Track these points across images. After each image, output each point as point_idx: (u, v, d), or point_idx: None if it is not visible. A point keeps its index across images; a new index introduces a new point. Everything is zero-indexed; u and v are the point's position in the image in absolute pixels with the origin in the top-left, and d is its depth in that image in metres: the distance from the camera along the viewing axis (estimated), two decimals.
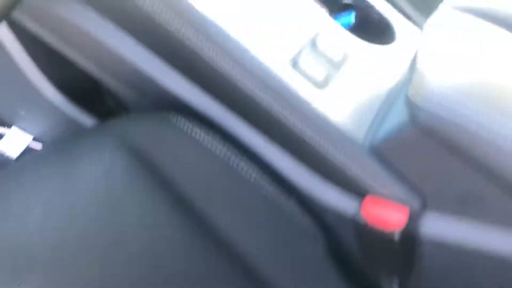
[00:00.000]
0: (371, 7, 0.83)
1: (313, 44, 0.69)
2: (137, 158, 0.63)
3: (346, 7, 0.83)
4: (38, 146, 1.01)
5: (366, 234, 0.68)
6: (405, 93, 0.59)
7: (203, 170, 0.68)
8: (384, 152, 0.64)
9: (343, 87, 0.68)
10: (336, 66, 0.69)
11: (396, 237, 0.65)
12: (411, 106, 0.58)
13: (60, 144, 0.67)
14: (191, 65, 0.67)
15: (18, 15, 0.74)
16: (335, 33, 0.73)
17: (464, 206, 0.63)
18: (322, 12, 0.75)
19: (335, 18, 0.81)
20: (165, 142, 0.67)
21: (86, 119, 0.91)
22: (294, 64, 0.66)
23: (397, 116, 0.62)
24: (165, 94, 0.71)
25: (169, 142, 0.67)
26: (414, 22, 0.84)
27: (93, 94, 0.91)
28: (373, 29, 0.84)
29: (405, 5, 0.84)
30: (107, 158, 0.62)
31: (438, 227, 0.64)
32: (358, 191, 0.67)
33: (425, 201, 0.64)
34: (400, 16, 0.83)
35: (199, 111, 0.71)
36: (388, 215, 0.64)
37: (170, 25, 0.63)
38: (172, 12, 0.62)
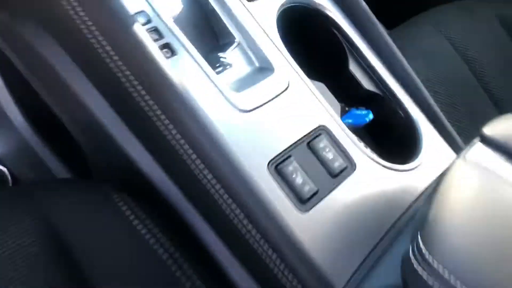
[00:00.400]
0: (399, 104, 0.68)
1: (307, 150, 0.55)
2: (52, 238, 0.50)
3: (368, 99, 0.69)
4: None
5: None
6: (405, 252, 0.44)
7: (128, 265, 0.53)
8: None
9: (331, 214, 0.53)
10: (328, 180, 0.55)
11: None
12: (410, 272, 0.43)
13: None
14: (155, 141, 0.54)
15: None
16: (339, 138, 0.58)
17: None
18: (329, 109, 0.60)
19: (350, 114, 0.67)
20: (93, 224, 0.53)
21: (49, 154, 0.80)
22: (280, 171, 0.52)
23: (388, 275, 0.47)
24: (122, 158, 0.58)
25: (98, 225, 0.53)
26: (447, 136, 0.69)
27: (61, 130, 0.79)
28: (394, 133, 0.70)
29: (441, 114, 0.69)
30: (15, 234, 0.50)
31: None
32: None
33: None
34: (429, 126, 0.68)
35: (159, 195, 0.58)
36: None
37: (148, 106, 0.51)
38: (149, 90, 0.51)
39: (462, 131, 0.92)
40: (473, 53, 1.05)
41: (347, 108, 0.70)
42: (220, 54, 0.60)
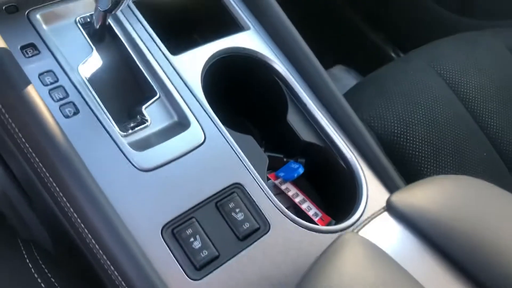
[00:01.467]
0: (340, 155, 0.64)
1: (215, 210, 0.52)
2: None
3: (309, 150, 0.65)
4: None
5: None
6: None
7: None
8: None
9: (231, 282, 0.49)
10: (234, 244, 0.52)
11: None
12: None
13: None
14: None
15: None
16: (255, 196, 0.55)
17: None
18: (249, 165, 0.57)
19: (284, 167, 0.64)
20: None
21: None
22: (176, 235, 0.50)
23: None
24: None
25: None
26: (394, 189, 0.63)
27: None
28: (336, 185, 0.65)
29: (389, 168, 0.63)
30: None
31: None
32: None
33: None
34: (374, 179, 0.63)
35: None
36: None
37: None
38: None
39: None
40: (470, 89, 0.98)
41: (285, 160, 0.66)
42: (142, 108, 0.60)
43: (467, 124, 0.94)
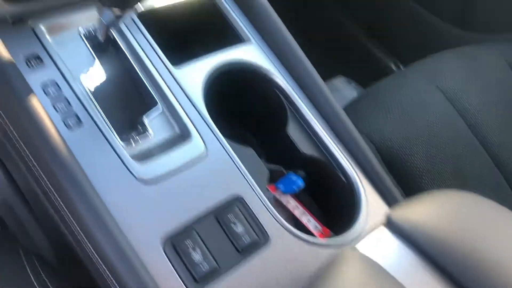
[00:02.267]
0: (341, 169, 0.64)
1: (215, 222, 0.53)
2: None
3: (309, 163, 0.66)
4: None
5: None
6: None
7: None
8: None
9: None
10: (234, 256, 0.52)
11: None
12: None
13: None
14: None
15: None
16: (255, 209, 0.55)
17: None
18: (249, 178, 0.57)
19: (284, 179, 0.64)
20: None
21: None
22: (176, 247, 0.50)
23: None
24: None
25: None
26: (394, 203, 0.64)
27: None
28: (336, 199, 0.65)
29: (388, 183, 0.64)
30: None
31: None
32: None
33: None
34: (374, 193, 0.63)
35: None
36: None
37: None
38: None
39: None
40: (470, 104, 0.98)
41: (285, 172, 0.66)
42: (144, 119, 0.60)
43: (467, 140, 0.94)
